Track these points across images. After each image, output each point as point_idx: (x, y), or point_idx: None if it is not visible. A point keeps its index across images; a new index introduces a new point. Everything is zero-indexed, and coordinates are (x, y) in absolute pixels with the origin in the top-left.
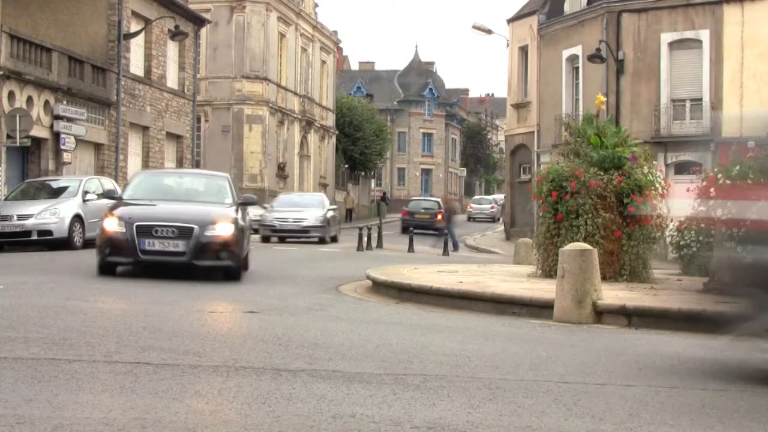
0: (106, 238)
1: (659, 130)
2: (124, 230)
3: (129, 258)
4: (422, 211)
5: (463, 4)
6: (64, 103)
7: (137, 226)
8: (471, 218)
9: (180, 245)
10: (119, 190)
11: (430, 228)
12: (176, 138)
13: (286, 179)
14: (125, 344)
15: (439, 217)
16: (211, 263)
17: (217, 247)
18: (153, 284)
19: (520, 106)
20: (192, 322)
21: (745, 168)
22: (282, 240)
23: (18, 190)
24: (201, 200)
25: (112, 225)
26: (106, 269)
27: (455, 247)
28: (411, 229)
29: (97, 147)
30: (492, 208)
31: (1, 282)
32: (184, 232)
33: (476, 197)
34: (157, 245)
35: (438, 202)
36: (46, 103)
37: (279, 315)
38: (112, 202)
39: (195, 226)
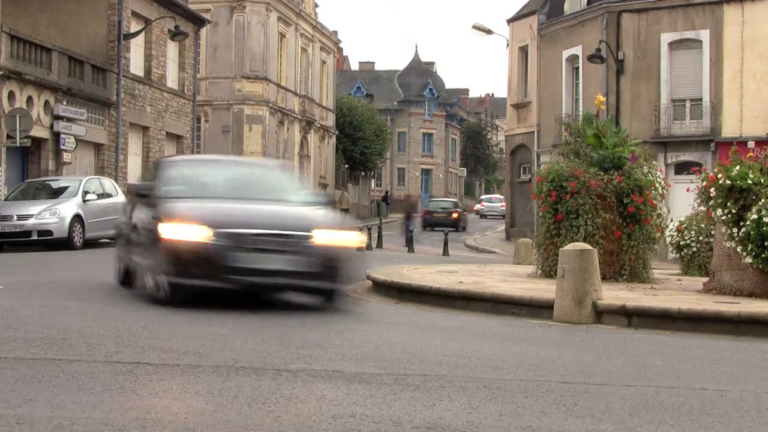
0: (177, 250)
1: (659, 130)
2: (208, 240)
3: (213, 280)
4: (440, 210)
5: (463, 4)
6: (64, 103)
7: (228, 234)
8: (482, 215)
9: (286, 262)
10: (119, 190)
11: (448, 225)
12: (176, 138)
13: None
14: (125, 344)
15: (455, 215)
16: (325, 286)
17: (335, 265)
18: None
19: (520, 106)
20: (192, 321)
21: (745, 168)
22: None
23: (18, 190)
24: (272, 198)
25: (189, 232)
26: (179, 296)
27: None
28: (409, 228)
29: (97, 147)
30: (502, 206)
31: (1, 282)
32: (291, 244)
33: (486, 196)
34: (254, 261)
35: (455, 203)
36: (46, 103)
37: (279, 315)
38: (148, 198)
39: (308, 234)
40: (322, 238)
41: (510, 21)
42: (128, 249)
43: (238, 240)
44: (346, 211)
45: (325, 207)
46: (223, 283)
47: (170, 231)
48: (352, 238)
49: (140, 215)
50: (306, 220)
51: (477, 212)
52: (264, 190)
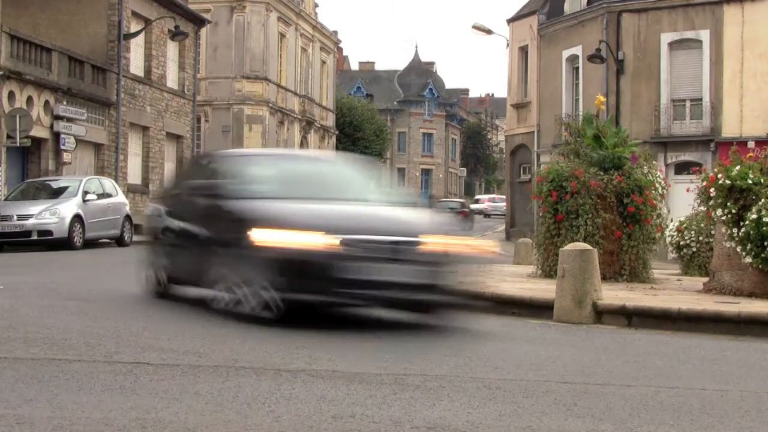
0: (289, 260)
1: (659, 130)
2: (331, 248)
3: (321, 295)
4: (448, 210)
5: (463, 4)
6: (64, 103)
7: (356, 242)
8: (486, 215)
9: (402, 272)
10: (119, 190)
11: None
12: (176, 138)
13: None
14: (125, 344)
15: (462, 215)
16: (445, 300)
17: (452, 276)
18: None
19: (520, 106)
20: (192, 321)
21: (745, 168)
22: None
23: (18, 190)
24: (356, 198)
25: (303, 239)
26: (291, 314)
27: None
28: None
29: (97, 147)
30: (504, 206)
31: (1, 282)
32: (402, 252)
33: (490, 196)
34: (368, 273)
35: (462, 203)
36: (46, 103)
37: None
38: (215, 198)
39: (417, 240)
40: (431, 244)
41: (510, 21)
42: (173, 255)
43: (366, 249)
44: (465, 215)
45: (417, 207)
46: (339, 297)
47: (274, 238)
48: (465, 245)
49: (203, 217)
50: (410, 224)
51: (473, 212)
52: (345, 189)
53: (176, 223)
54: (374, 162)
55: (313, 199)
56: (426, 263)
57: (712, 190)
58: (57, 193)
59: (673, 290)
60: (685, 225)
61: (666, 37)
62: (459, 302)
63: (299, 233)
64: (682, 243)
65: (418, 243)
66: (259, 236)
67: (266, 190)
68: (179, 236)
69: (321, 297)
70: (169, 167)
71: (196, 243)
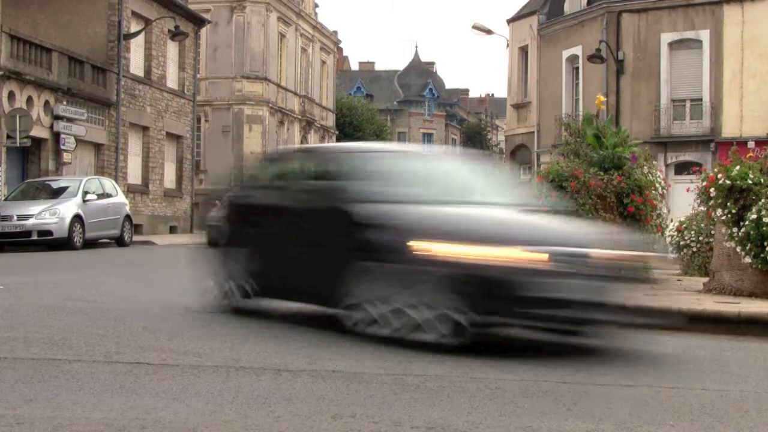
0: (476, 275)
1: (659, 130)
2: (522, 264)
3: (504, 316)
4: None
5: (463, 4)
6: (64, 103)
7: (555, 257)
8: None
9: (595, 290)
10: (119, 190)
11: None
12: (176, 138)
13: None
14: (125, 344)
15: None
16: (614, 319)
17: (623, 291)
18: (153, 284)
19: (520, 106)
20: (192, 322)
21: (745, 168)
22: None
23: (18, 190)
24: (484, 201)
25: (494, 251)
26: (479, 339)
27: None
28: None
29: (97, 147)
30: None
31: (1, 282)
32: (579, 265)
33: None
34: (561, 291)
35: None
36: (46, 103)
37: (279, 315)
38: (348, 204)
39: (586, 252)
40: (603, 256)
41: (510, 21)
42: (265, 265)
43: (571, 264)
44: None
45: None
46: (526, 320)
47: (459, 252)
48: (633, 256)
49: (322, 222)
50: (577, 234)
51: None
52: (482, 190)
53: (268, 228)
54: (485, 155)
55: (466, 204)
56: (602, 278)
57: (712, 190)
58: (57, 193)
59: (673, 290)
60: (685, 225)
61: (666, 37)
62: (629, 321)
63: (495, 248)
64: (682, 243)
65: (586, 255)
66: (435, 249)
67: (414, 194)
68: (276, 244)
69: (514, 320)
70: (169, 167)
71: (313, 253)
